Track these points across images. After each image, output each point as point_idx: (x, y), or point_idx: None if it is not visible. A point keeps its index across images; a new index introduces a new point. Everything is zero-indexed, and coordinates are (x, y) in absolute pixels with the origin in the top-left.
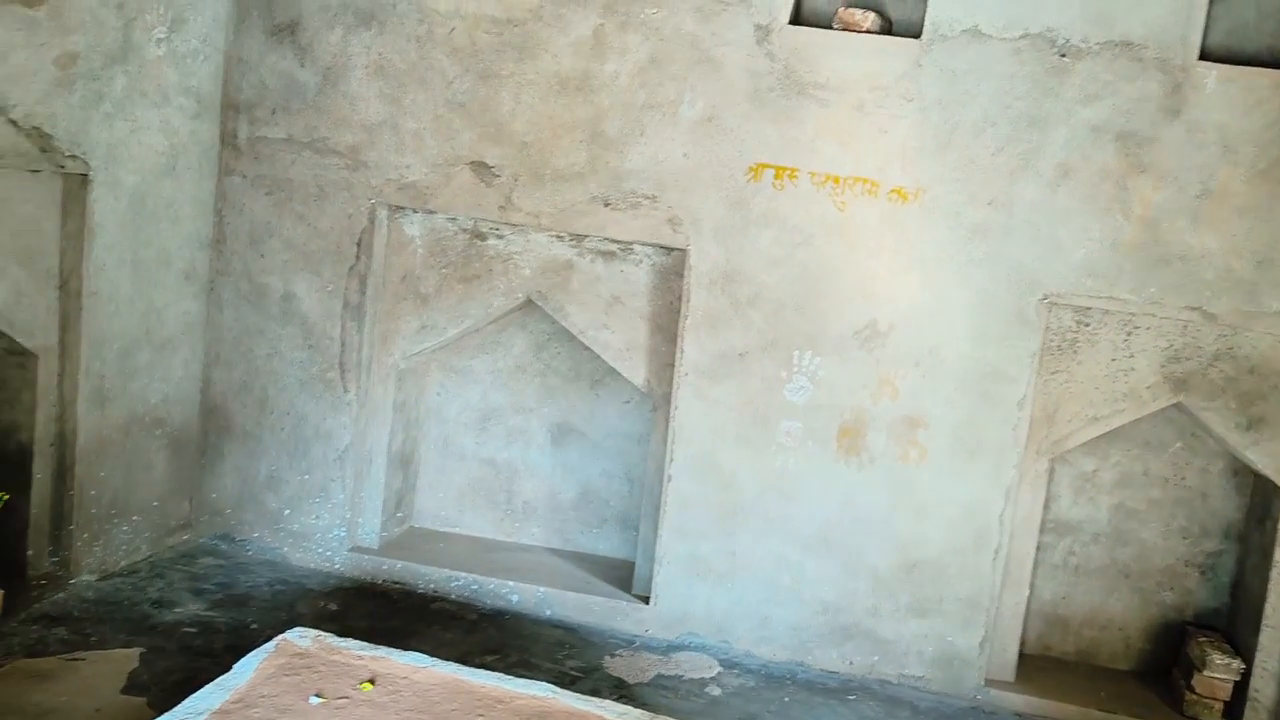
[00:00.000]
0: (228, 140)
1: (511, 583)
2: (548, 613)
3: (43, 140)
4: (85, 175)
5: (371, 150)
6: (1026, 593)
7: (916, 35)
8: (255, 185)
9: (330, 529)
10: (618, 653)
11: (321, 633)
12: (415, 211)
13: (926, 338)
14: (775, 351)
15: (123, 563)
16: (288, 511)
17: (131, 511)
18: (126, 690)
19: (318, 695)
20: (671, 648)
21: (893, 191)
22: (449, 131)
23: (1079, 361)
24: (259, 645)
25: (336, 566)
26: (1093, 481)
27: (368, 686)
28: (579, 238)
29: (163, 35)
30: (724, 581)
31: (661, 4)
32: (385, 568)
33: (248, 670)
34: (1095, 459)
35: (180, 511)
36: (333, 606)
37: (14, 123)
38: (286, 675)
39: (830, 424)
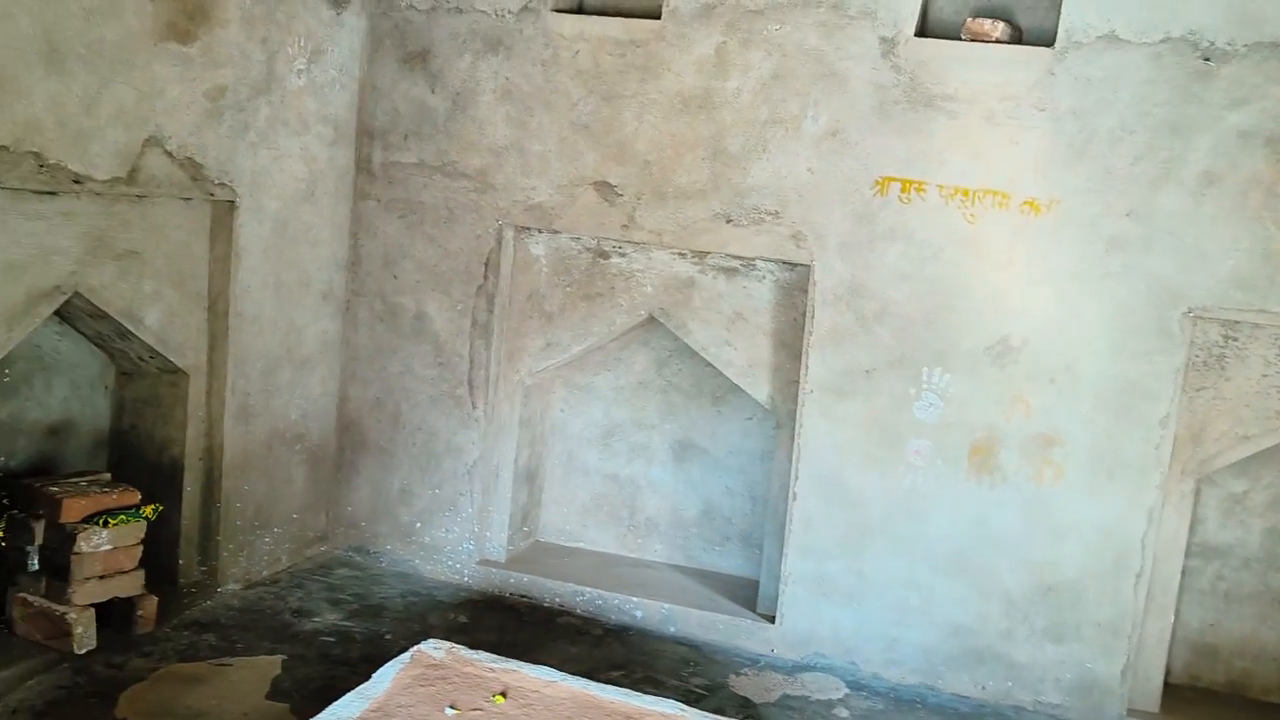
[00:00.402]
0: (362, 166)
1: (635, 599)
2: (672, 629)
3: (194, 170)
4: (232, 202)
5: (499, 173)
6: (1171, 619)
7: (1049, 43)
8: (388, 209)
9: (459, 542)
10: (743, 671)
11: (454, 645)
12: (540, 232)
13: (1061, 353)
14: (903, 368)
15: (265, 573)
16: (419, 525)
17: (273, 523)
18: (271, 696)
19: (452, 707)
20: (797, 668)
21: (1025, 203)
22: (573, 153)
23: (1227, 378)
24: (394, 655)
25: (465, 579)
26: (1243, 504)
27: (500, 699)
28: (701, 255)
29: (302, 66)
30: (851, 602)
31: (784, 20)
32: (512, 581)
33: (385, 680)
34: (1246, 480)
35: (318, 524)
36: (462, 619)
37: (169, 154)
38: (422, 686)
39: (961, 442)
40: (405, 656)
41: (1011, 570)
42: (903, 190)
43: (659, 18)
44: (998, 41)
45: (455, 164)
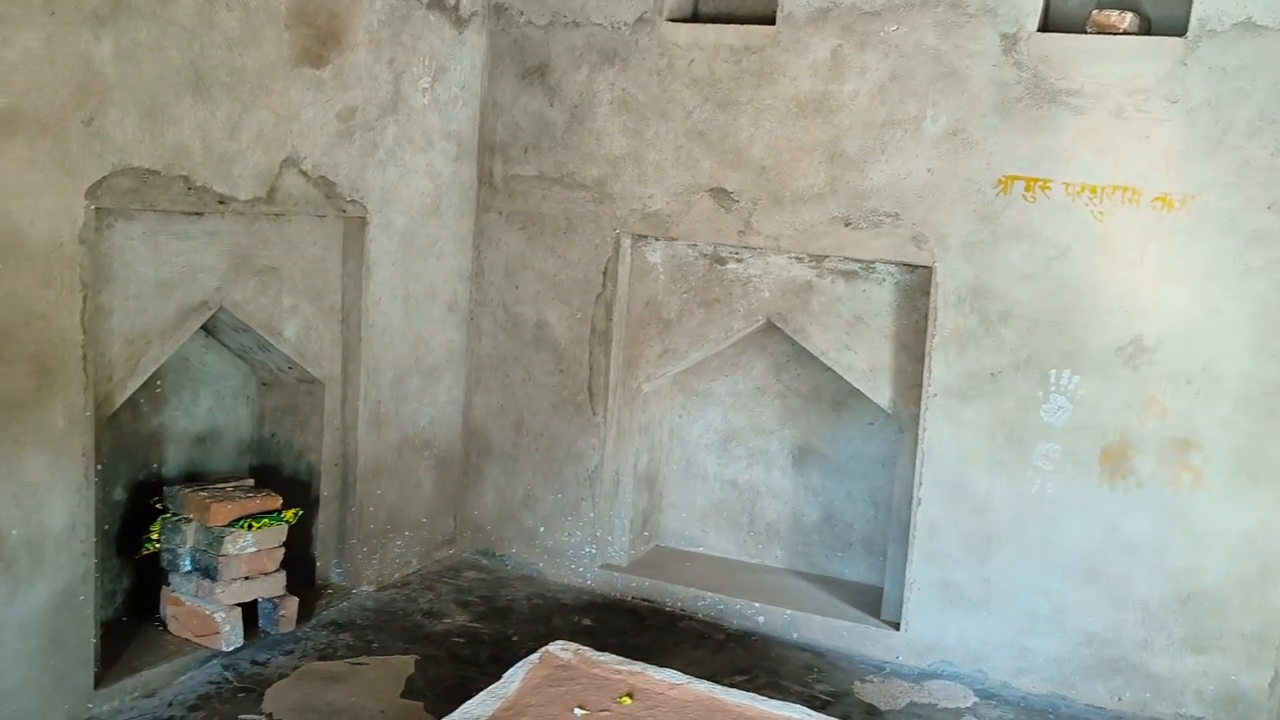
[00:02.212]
0: (484, 179)
1: (757, 604)
2: (794, 635)
3: (328, 188)
4: (363, 218)
5: (616, 182)
6: None
7: (1179, 33)
8: (510, 221)
9: (582, 546)
10: (868, 678)
11: (581, 646)
12: (657, 240)
13: (1199, 353)
14: (1030, 370)
15: (396, 575)
16: (542, 529)
17: (404, 527)
18: (406, 694)
19: (581, 707)
20: (923, 675)
21: (1156, 199)
22: (689, 160)
23: None
24: (521, 656)
25: (588, 582)
26: None
27: (627, 700)
28: (819, 258)
29: (427, 85)
30: (978, 609)
31: (901, 21)
32: (634, 585)
33: (515, 680)
34: None
35: (445, 528)
36: (586, 621)
37: (304, 173)
38: (551, 686)
39: (1092, 446)
40: (534, 657)
41: (1148, 578)
42: (1027, 189)
43: (773, 23)
44: (1125, 33)
45: (573, 175)
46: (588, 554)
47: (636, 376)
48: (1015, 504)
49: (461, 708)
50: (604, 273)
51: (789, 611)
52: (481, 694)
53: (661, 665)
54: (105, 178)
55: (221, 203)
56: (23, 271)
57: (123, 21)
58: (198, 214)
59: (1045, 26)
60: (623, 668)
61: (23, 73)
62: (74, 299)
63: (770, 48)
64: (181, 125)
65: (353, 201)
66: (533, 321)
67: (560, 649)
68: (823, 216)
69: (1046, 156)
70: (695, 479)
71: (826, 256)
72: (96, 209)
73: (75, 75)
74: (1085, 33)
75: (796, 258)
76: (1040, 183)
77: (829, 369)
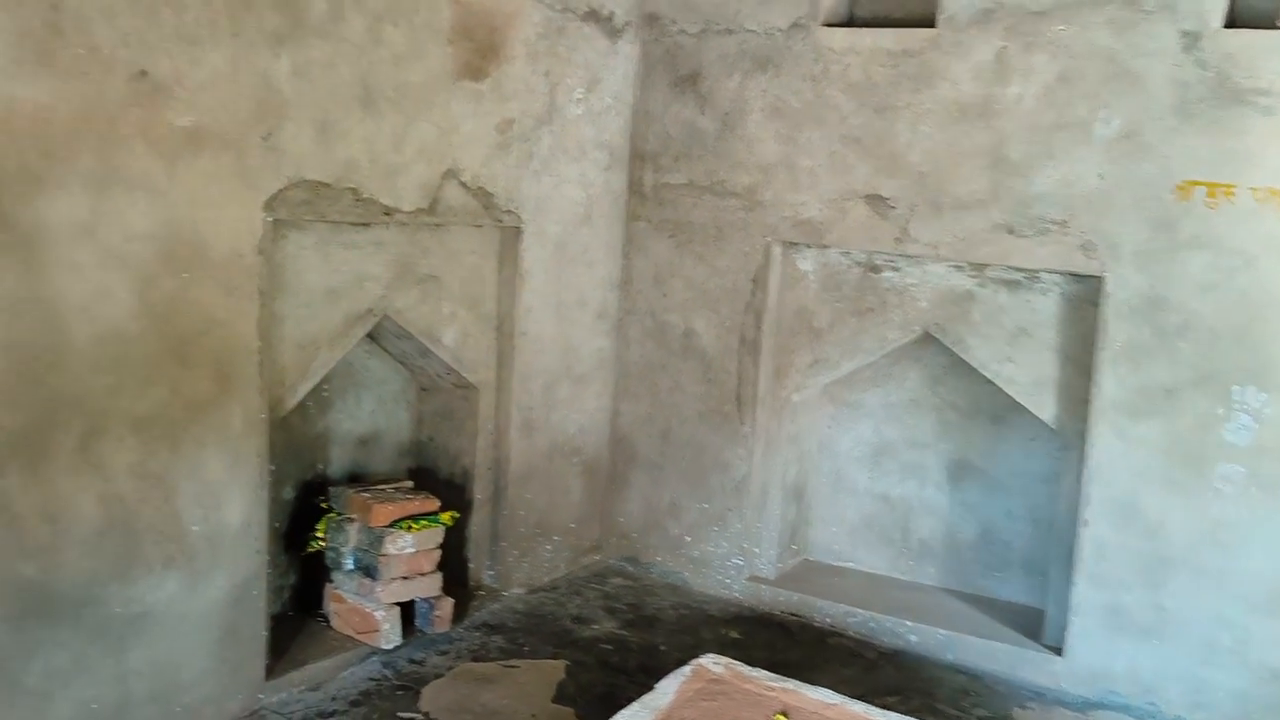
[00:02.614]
0: (635, 188)
1: (909, 622)
2: (949, 656)
3: (485, 198)
4: (518, 227)
5: (767, 190)
6: None
7: None
8: (659, 229)
9: (728, 557)
10: (1028, 705)
11: (733, 660)
12: (809, 247)
13: None
14: (1209, 386)
15: (545, 579)
16: (688, 538)
17: (552, 531)
18: (556, 700)
19: None
20: (1088, 704)
21: None
22: (843, 166)
23: None
24: (669, 667)
25: (735, 594)
26: None
27: (781, 718)
28: (980, 267)
29: (581, 95)
30: (1150, 637)
31: (1071, 20)
32: (782, 599)
33: (668, 692)
34: None
35: (592, 534)
36: (733, 634)
37: (464, 184)
38: (704, 700)
39: None
40: (686, 669)
41: None
42: (1209, 195)
43: (933, 26)
44: None
45: (724, 183)
46: (734, 565)
47: (785, 386)
48: (1192, 528)
49: (616, 717)
50: (754, 281)
51: (943, 632)
52: (634, 705)
53: (812, 683)
54: (281, 190)
55: (387, 214)
56: (207, 281)
57: (299, 40)
58: (364, 224)
59: (1231, 23)
60: (775, 684)
61: (209, 91)
62: (252, 307)
63: (930, 51)
64: (350, 139)
65: (509, 211)
66: (681, 330)
67: (712, 662)
68: (984, 224)
69: (1231, 160)
70: (845, 492)
71: (988, 265)
72: (273, 220)
73: (256, 93)
74: (1276, 28)
75: (956, 266)
76: (1223, 188)
77: (989, 382)
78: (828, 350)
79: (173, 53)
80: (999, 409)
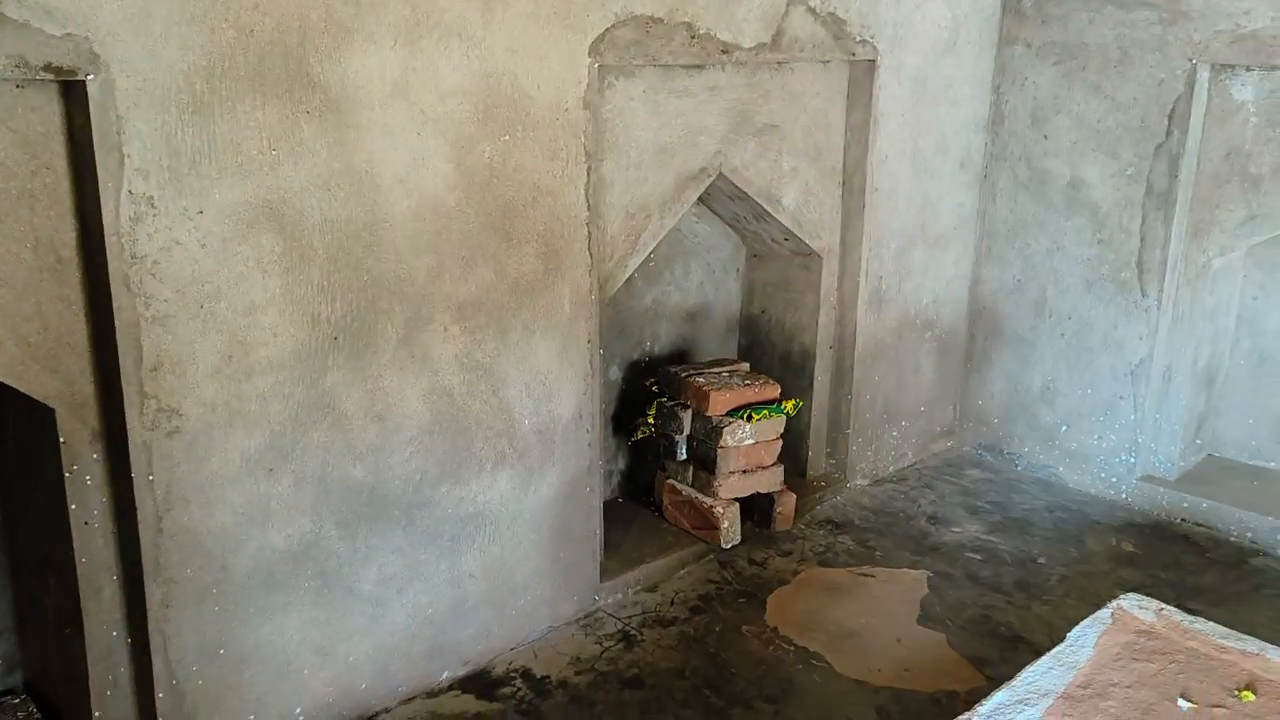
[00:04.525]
0: (1010, 4)
1: None
2: None
3: (836, 27)
4: (872, 61)
5: None
6: None
7: None
8: (1041, 54)
9: (1115, 453)
10: None
11: (1164, 605)
12: (1250, 70)
13: None
14: None
15: (890, 469)
16: (1064, 428)
17: (900, 417)
18: (922, 621)
19: (1185, 698)
20: None
21: None
22: None
23: None
24: (1052, 584)
25: (1122, 496)
26: None
27: (1249, 696)
28: None
29: None
30: None
31: None
32: (1184, 505)
33: (1086, 645)
34: None
35: (944, 418)
36: (1127, 546)
37: (812, 11)
38: (1136, 660)
39: None
40: (1104, 614)
41: None
42: None
43: None
44: None
45: None
46: (1122, 462)
47: (1205, 250)
48: None
49: (1024, 674)
50: (1169, 116)
51: None
52: (1045, 659)
53: (1239, 621)
54: (608, 30)
55: (724, 52)
56: (529, 143)
57: None
58: (698, 66)
59: None
60: (1230, 644)
61: None
62: (579, 171)
63: None
64: None
65: (862, 42)
66: (1064, 179)
67: (1138, 606)
68: None
69: None
70: (1271, 377)
71: None
72: (599, 67)
73: None
74: None
75: None
76: None
77: None
78: (1269, 202)
79: None
80: None
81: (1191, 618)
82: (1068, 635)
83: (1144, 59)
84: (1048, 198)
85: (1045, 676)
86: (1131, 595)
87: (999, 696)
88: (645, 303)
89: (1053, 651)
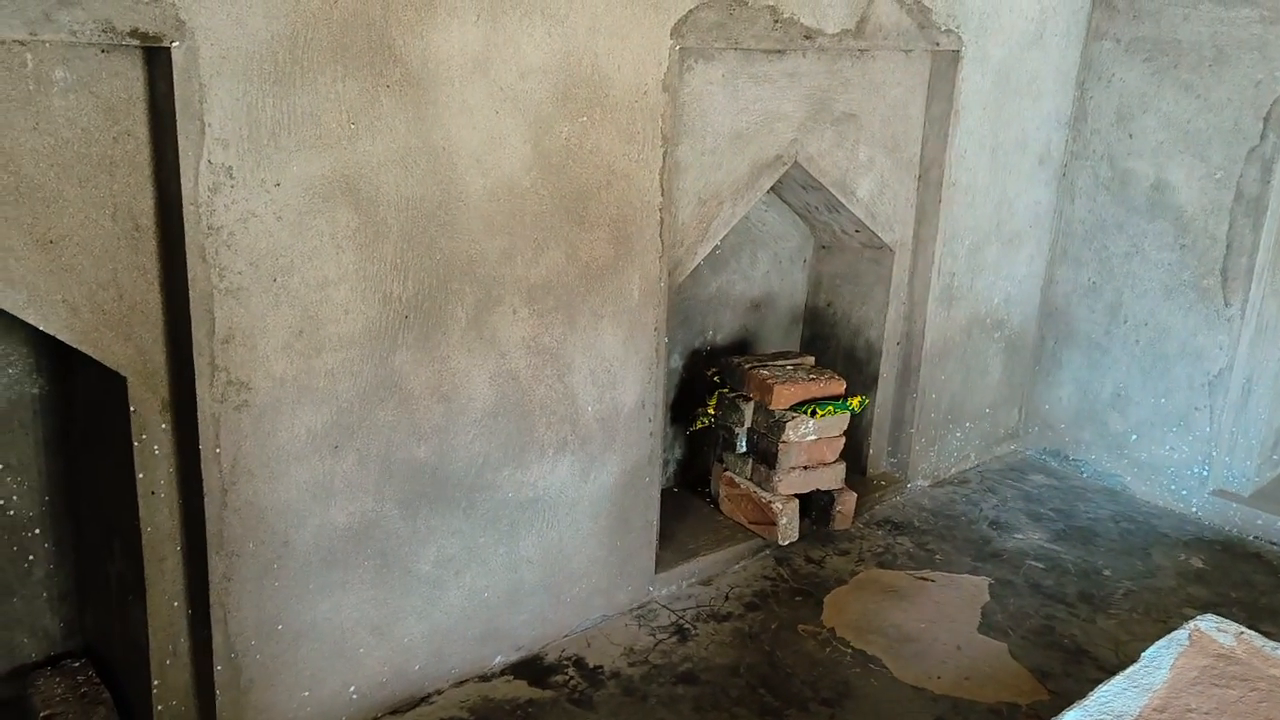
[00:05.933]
0: None
1: None
2: None
3: (922, 15)
4: (956, 51)
5: None
6: None
7: None
8: (1130, 50)
9: (1188, 465)
10: None
11: (1244, 629)
12: None
13: None
14: None
15: (952, 470)
16: (1135, 437)
17: (964, 417)
18: (983, 630)
19: None
20: None
21: None
22: None
23: None
24: (1117, 597)
25: (1192, 510)
26: None
27: None
28: None
29: None
30: None
31: None
32: (1259, 522)
33: (1162, 666)
34: None
35: (1009, 420)
36: (1196, 563)
37: None
38: (1215, 686)
39: None
40: (1181, 635)
41: None
42: None
43: None
44: None
45: None
46: (1194, 475)
47: None
48: None
49: (1097, 694)
50: (1264, 119)
51: None
52: (1118, 680)
53: None
54: (691, 11)
55: (807, 38)
56: (607, 125)
57: None
58: (779, 52)
59: None
60: None
61: None
62: (654, 155)
63: None
64: None
65: (947, 32)
66: (1148, 181)
67: (1216, 628)
68: None
69: None
70: None
71: None
72: (680, 50)
73: None
74: None
75: None
76: None
77: None
78: None
79: None
80: None
81: (1275, 644)
82: (1142, 655)
83: (1241, 58)
84: (1129, 199)
85: (1119, 698)
86: (1210, 616)
87: (1070, 717)
88: (710, 291)
89: (1126, 672)
